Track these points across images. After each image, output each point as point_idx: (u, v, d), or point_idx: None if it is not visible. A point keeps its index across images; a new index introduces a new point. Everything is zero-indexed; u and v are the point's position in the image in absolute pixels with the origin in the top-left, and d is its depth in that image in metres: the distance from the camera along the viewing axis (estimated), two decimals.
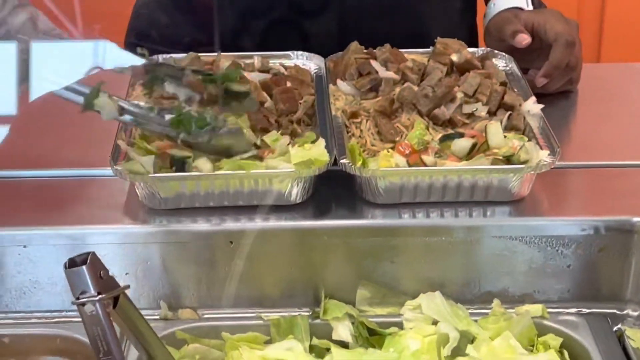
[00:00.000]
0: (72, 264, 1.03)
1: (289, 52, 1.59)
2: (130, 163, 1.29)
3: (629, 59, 2.95)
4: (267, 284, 1.33)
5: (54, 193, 1.39)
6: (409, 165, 1.31)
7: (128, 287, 1.07)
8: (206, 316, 1.33)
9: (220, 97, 1.33)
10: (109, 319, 1.04)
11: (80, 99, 1.27)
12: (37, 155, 1.48)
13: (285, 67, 1.54)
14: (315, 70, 1.57)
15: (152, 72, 1.34)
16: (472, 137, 1.34)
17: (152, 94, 1.38)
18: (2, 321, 1.31)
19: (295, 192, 1.31)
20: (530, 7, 1.69)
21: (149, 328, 1.12)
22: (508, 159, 1.30)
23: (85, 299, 1.03)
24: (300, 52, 1.59)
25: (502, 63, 1.58)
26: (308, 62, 1.59)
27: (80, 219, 1.33)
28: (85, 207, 1.36)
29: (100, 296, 1.03)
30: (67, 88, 1.28)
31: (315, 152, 1.30)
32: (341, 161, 1.30)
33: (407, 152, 1.32)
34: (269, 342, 1.28)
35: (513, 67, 1.57)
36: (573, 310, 1.33)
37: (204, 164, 1.28)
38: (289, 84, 1.47)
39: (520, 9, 1.68)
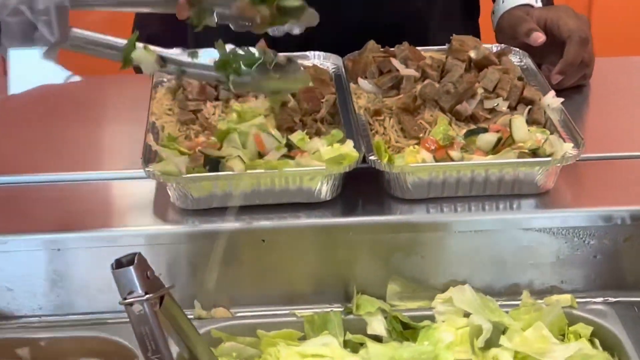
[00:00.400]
0: (118, 264, 1.05)
1: (307, 53, 1.60)
2: (161, 164, 1.29)
3: (618, 53, 2.98)
4: (299, 281, 1.35)
5: (82, 196, 1.40)
6: (436, 161, 1.33)
7: (173, 286, 1.08)
8: (239, 314, 1.33)
9: (275, 16, 1.23)
10: (156, 318, 1.05)
11: (119, 56, 1.19)
12: (60, 159, 1.49)
13: (304, 67, 1.55)
14: (334, 70, 1.58)
15: (198, 3, 1.22)
16: (497, 131, 1.36)
17: (200, 26, 1.24)
18: (37, 324, 1.32)
19: (325, 190, 1.33)
20: (540, 4, 1.71)
21: (192, 327, 1.13)
22: (534, 153, 1.32)
23: (132, 299, 1.04)
24: (317, 52, 1.61)
25: (516, 59, 1.60)
26: (325, 61, 1.60)
27: (112, 222, 1.33)
28: (115, 209, 1.37)
29: (147, 296, 1.04)
30: (101, 44, 1.19)
31: (345, 149, 1.31)
32: (370, 158, 1.31)
33: (433, 147, 1.34)
34: (302, 338, 1.29)
35: (528, 62, 1.59)
36: (599, 299, 1.35)
37: (237, 164, 1.29)
38: (310, 84, 1.48)
39: (530, 6, 1.70)
